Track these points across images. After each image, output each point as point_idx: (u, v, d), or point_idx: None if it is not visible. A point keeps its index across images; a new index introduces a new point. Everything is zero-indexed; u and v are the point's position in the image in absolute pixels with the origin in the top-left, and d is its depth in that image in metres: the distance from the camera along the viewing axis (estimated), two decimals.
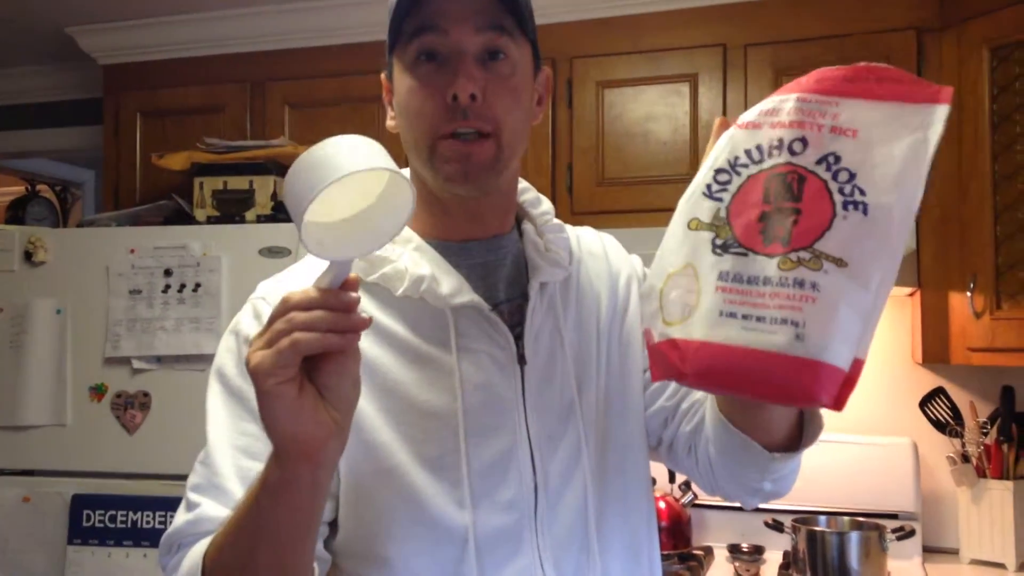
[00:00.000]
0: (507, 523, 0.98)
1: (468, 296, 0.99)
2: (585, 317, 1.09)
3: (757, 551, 2.44)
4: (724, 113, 2.42)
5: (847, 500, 2.51)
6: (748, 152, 0.85)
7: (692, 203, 0.87)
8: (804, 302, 0.77)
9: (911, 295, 2.47)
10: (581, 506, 1.02)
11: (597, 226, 1.20)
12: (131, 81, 2.98)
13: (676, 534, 2.55)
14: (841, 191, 0.79)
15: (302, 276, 1.02)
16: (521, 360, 1.02)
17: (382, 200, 0.80)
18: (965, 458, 2.43)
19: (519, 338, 1.02)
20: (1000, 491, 2.36)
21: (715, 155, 0.87)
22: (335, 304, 0.75)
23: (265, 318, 0.95)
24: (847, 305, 0.77)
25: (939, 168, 2.14)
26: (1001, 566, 2.35)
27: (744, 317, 0.79)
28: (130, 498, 2.36)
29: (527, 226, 1.09)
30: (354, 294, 0.76)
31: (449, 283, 0.99)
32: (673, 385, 1.11)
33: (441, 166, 0.97)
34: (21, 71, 3.43)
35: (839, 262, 0.77)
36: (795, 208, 0.80)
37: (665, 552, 2.44)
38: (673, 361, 0.83)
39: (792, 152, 0.82)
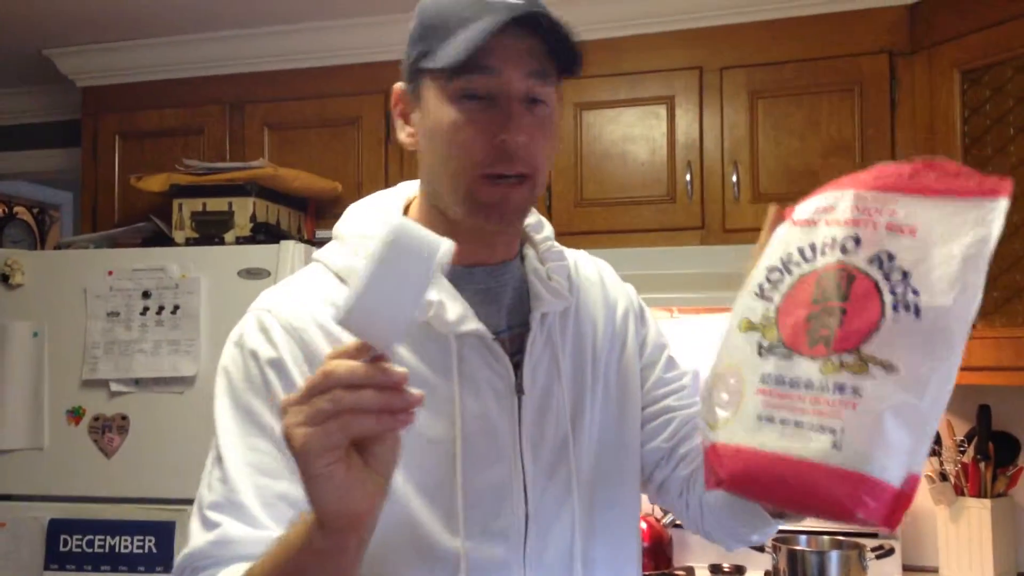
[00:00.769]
0: (498, 553, 0.98)
1: (473, 324, 0.99)
2: (582, 347, 1.10)
3: (738, 571, 2.44)
4: (700, 134, 2.45)
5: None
6: (801, 251, 0.82)
7: (745, 302, 0.84)
8: (844, 407, 0.72)
9: None
10: (568, 538, 1.02)
11: (575, 247, 1.21)
12: (110, 103, 2.98)
13: (657, 555, 2.54)
14: (893, 291, 0.75)
15: (306, 291, 1.01)
16: (519, 391, 1.02)
17: None
18: (943, 476, 2.44)
19: (517, 367, 1.02)
20: (978, 509, 2.37)
21: (769, 252, 0.85)
22: (384, 381, 0.71)
23: (273, 333, 0.96)
24: (893, 413, 0.71)
25: None
26: None
27: (782, 422, 0.75)
28: (108, 522, 2.33)
29: (529, 251, 1.10)
30: (402, 368, 0.72)
31: (455, 310, 0.98)
32: (673, 426, 1.12)
33: (478, 207, 0.97)
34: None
35: (887, 367, 0.72)
36: (842, 308, 0.76)
37: (647, 573, 2.43)
38: (712, 465, 0.81)
39: (844, 251, 0.78)
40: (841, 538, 2.37)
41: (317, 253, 1.06)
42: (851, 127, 2.36)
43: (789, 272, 0.82)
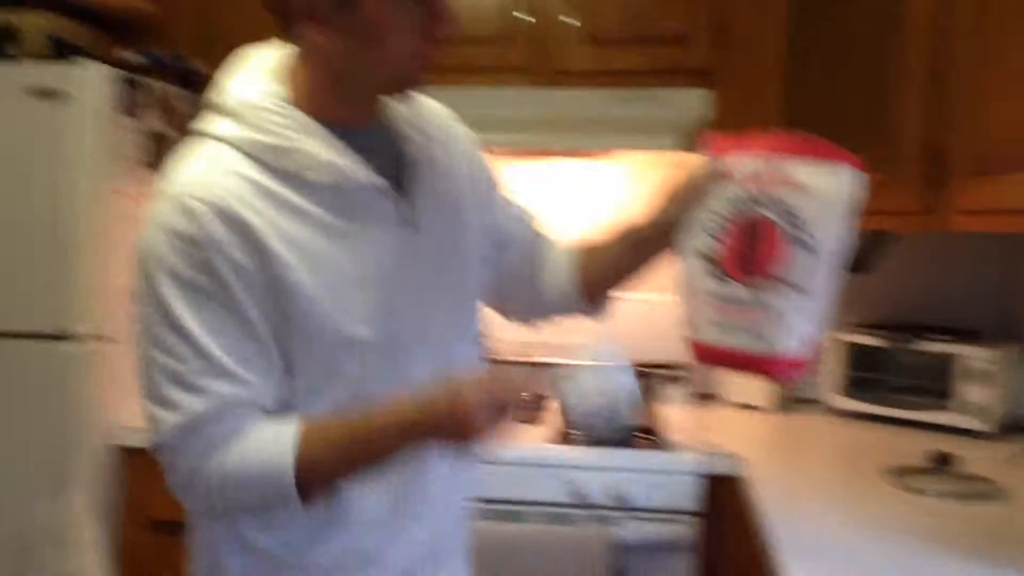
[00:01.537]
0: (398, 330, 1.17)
1: (369, 177, 1.12)
2: (454, 174, 1.26)
3: (540, 399, 2.57)
4: None
5: (628, 352, 2.67)
6: (732, 202, 1.19)
7: (697, 237, 1.22)
8: (761, 314, 1.17)
9: None
10: (445, 322, 1.23)
11: None
12: None
13: None
14: (793, 233, 1.15)
15: (216, 168, 1.08)
16: (413, 226, 1.18)
17: None
18: None
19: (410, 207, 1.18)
20: None
21: (714, 202, 1.21)
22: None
23: (198, 216, 1.04)
24: (793, 312, 1.15)
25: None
26: (757, 408, 2.63)
27: (727, 326, 1.20)
28: None
29: (389, 100, 1.20)
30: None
31: (353, 167, 1.11)
32: (520, 246, 1.39)
33: (412, 85, 1.14)
34: None
35: (792, 286, 1.15)
36: (759, 246, 1.17)
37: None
38: (692, 352, 1.26)
39: (758, 203, 1.17)
40: (640, 369, 2.52)
41: (211, 130, 1.12)
42: None
43: (727, 219, 1.20)
